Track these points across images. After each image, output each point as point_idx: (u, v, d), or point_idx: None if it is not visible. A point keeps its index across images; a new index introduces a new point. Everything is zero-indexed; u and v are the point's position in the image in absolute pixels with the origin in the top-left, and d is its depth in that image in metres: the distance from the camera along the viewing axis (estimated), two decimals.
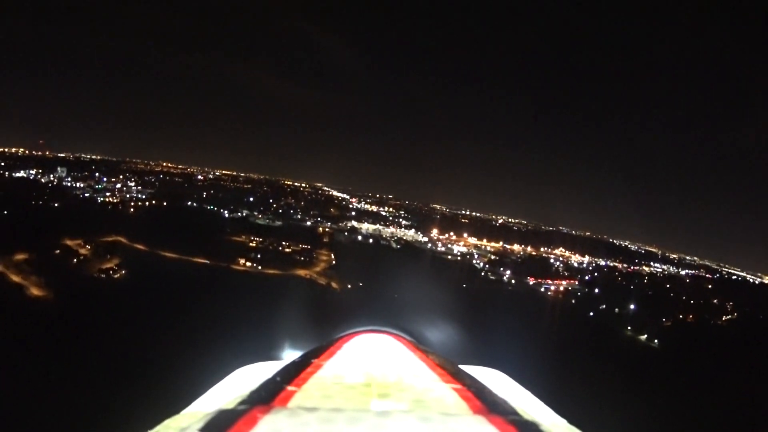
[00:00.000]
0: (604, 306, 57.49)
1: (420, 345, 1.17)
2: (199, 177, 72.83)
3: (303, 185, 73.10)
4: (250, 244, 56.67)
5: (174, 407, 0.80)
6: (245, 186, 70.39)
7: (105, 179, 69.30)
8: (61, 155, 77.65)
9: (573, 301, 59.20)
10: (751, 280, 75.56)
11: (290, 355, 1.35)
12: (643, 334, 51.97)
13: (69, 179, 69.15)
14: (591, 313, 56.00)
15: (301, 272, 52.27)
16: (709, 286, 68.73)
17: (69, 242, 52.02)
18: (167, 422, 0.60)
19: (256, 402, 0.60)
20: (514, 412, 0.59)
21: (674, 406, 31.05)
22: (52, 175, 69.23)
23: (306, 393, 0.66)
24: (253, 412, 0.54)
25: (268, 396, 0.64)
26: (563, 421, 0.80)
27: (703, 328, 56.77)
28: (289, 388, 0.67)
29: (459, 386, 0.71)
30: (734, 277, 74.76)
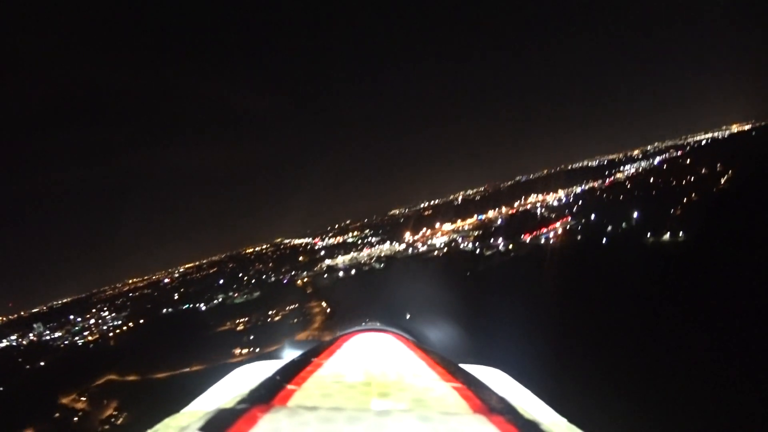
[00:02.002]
0: (610, 227, 51.52)
1: (420, 344, 1.12)
2: (166, 280, 67.82)
3: (264, 247, 68.01)
4: (238, 328, 50.54)
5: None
6: (211, 271, 64.89)
7: (80, 319, 64.44)
8: (35, 310, 74.28)
9: (578, 237, 53.33)
10: (720, 136, 71.50)
11: (290, 353, 1.23)
12: (665, 234, 46.06)
13: (47, 332, 64.31)
14: (603, 240, 50.05)
15: (301, 336, 46.50)
16: (688, 161, 63.99)
17: (65, 400, 46.51)
18: (167, 421, 0.57)
19: (255, 401, 0.57)
20: (515, 411, 0.57)
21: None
22: (31, 334, 64.86)
23: (306, 392, 0.63)
24: (252, 411, 0.51)
25: (267, 395, 0.61)
26: (563, 420, 0.75)
27: (712, 198, 51.63)
28: (289, 387, 0.64)
29: (459, 385, 0.68)
30: (704, 142, 70.45)
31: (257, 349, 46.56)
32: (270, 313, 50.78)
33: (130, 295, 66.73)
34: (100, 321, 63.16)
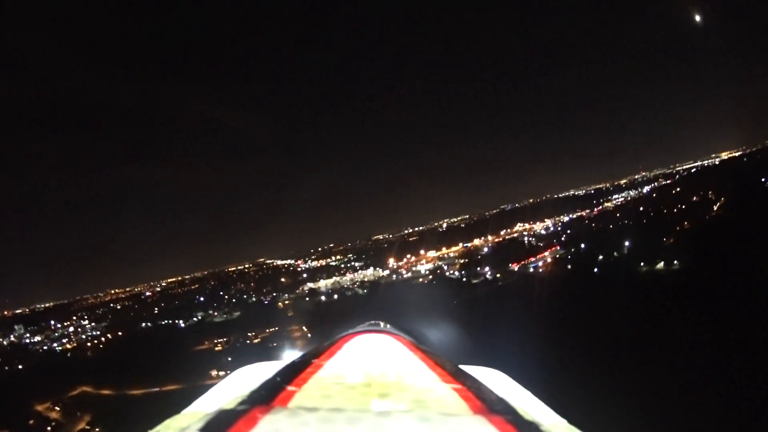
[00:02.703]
0: (601, 257, 49.92)
1: (420, 345, 1.09)
2: (148, 293, 66.38)
3: (247, 266, 66.93)
4: (216, 348, 49.19)
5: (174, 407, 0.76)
6: (193, 287, 63.68)
7: (59, 326, 63.38)
8: (18, 311, 72.64)
9: (569, 267, 51.54)
10: (708, 164, 70.36)
11: (290, 355, 1.20)
12: (659, 263, 44.73)
13: (27, 335, 63.41)
14: (595, 269, 48.43)
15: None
16: (678, 189, 62.76)
17: (39, 407, 45.53)
18: (167, 422, 0.56)
19: (256, 402, 0.56)
20: (514, 412, 0.55)
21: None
22: (12, 336, 63.93)
23: (306, 393, 0.62)
24: (253, 412, 0.50)
25: (268, 396, 0.59)
26: (563, 421, 0.75)
27: (706, 225, 50.31)
28: (289, 388, 0.63)
29: (459, 386, 0.66)
30: (693, 170, 69.26)
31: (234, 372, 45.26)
32: (249, 335, 49.48)
33: (111, 305, 65.32)
34: (79, 329, 62.12)
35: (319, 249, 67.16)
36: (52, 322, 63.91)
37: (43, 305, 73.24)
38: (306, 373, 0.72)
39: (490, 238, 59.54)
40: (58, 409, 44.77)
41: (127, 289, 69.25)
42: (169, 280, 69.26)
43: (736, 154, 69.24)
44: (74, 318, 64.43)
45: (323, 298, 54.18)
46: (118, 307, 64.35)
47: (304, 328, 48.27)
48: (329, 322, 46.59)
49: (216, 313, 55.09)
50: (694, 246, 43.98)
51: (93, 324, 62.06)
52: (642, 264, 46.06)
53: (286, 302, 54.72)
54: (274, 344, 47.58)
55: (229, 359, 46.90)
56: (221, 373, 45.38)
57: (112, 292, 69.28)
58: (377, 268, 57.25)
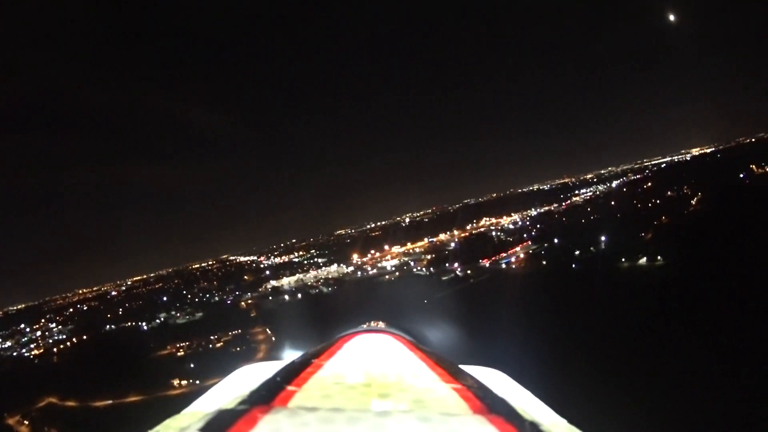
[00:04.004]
0: (578, 252, 46.88)
1: (420, 345, 1.10)
2: (113, 293, 63.98)
3: (210, 263, 64.57)
4: (178, 353, 46.21)
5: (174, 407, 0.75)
6: (157, 286, 60.96)
7: (28, 330, 60.73)
8: None
9: (544, 263, 48.47)
10: (680, 159, 67.70)
11: (290, 354, 1.18)
12: (641, 258, 42.35)
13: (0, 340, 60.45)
14: (573, 265, 45.70)
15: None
16: (650, 184, 59.60)
17: (10, 420, 43.67)
18: (167, 422, 0.55)
19: (256, 402, 0.55)
20: (514, 412, 0.55)
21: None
22: None
23: (306, 393, 0.61)
24: (253, 411, 0.49)
25: (268, 396, 0.59)
26: (563, 421, 0.74)
27: (686, 220, 48.27)
28: (289, 388, 0.62)
29: (459, 386, 0.66)
30: (663, 165, 66.21)
31: (197, 381, 42.47)
32: (212, 338, 46.45)
33: (78, 306, 62.94)
34: (46, 333, 59.51)
35: (282, 245, 65.35)
36: (22, 326, 61.43)
37: (15, 308, 70.76)
38: (306, 373, 0.70)
39: (456, 232, 56.64)
40: (27, 423, 43.02)
41: (94, 288, 67.21)
42: (134, 279, 67.35)
43: (708, 151, 67.21)
44: (43, 321, 61.97)
45: (287, 297, 51.41)
46: (85, 308, 61.91)
47: (267, 330, 45.45)
48: (291, 324, 43.88)
49: (179, 314, 52.41)
50: (675, 241, 42.29)
51: (60, 327, 59.46)
52: (623, 260, 43.91)
53: (249, 302, 52.11)
54: (237, 349, 44.81)
55: (191, 366, 44.14)
56: (183, 382, 42.72)
57: (80, 292, 67.16)
58: (341, 265, 54.49)
